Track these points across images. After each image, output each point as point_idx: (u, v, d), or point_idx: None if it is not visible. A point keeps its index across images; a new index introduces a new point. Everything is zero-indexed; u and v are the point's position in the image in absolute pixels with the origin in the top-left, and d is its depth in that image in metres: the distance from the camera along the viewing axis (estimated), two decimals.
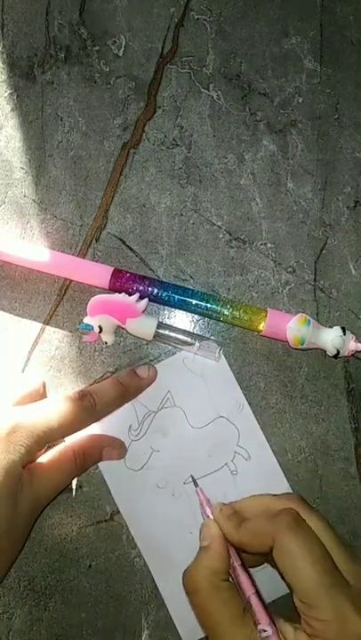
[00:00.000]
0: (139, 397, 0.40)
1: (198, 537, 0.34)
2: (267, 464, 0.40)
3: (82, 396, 0.36)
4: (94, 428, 0.38)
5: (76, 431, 0.36)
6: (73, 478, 0.38)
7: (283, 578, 0.31)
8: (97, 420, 0.37)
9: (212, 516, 0.34)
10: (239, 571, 0.32)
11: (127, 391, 0.38)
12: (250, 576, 0.32)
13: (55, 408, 0.35)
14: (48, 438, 0.34)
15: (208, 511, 0.35)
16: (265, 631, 0.30)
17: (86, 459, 0.37)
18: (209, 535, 0.33)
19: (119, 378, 0.38)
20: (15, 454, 0.32)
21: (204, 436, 0.40)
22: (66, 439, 0.38)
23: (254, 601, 0.31)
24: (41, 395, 0.39)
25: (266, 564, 0.36)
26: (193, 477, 0.38)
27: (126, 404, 0.40)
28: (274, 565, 0.32)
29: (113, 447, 0.39)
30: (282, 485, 0.39)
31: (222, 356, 0.41)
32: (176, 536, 0.38)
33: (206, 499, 0.36)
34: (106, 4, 0.45)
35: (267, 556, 0.34)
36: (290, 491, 0.39)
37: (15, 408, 0.36)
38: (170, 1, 0.46)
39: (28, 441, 0.33)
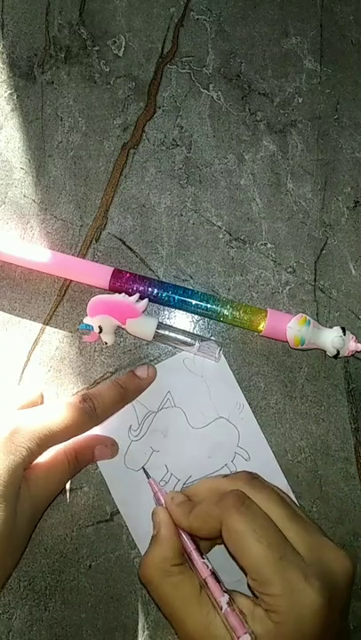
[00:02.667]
0: (139, 398, 0.40)
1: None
2: (267, 465, 0.40)
3: (82, 400, 0.36)
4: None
5: (76, 434, 0.36)
6: (67, 480, 0.38)
7: (234, 559, 0.31)
8: (98, 423, 0.37)
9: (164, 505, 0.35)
10: (194, 555, 0.33)
11: (127, 393, 0.38)
12: (205, 559, 0.33)
13: (56, 412, 0.35)
14: (49, 441, 0.34)
15: (162, 500, 0.35)
16: (222, 609, 0.30)
17: (79, 459, 0.37)
18: (157, 522, 0.34)
19: (118, 380, 0.38)
20: (17, 455, 0.32)
21: (204, 436, 0.40)
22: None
23: (210, 582, 0.32)
24: (39, 405, 0.39)
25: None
26: (145, 469, 0.38)
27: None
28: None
29: (105, 446, 0.39)
30: (282, 486, 0.39)
31: (222, 357, 0.41)
32: None
33: (160, 488, 0.36)
34: (106, 4, 0.45)
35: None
36: (289, 491, 0.39)
37: (16, 411, 0.36)
38: (170, 1, 0.46)
39: (29, 443, 0.33)
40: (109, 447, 0.39)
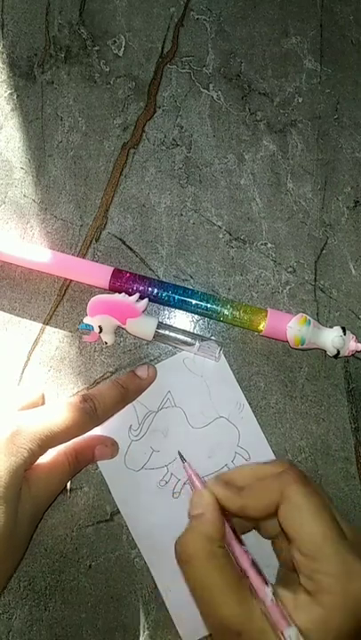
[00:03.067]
0: (139, 397, 0.40)
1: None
2: None
3: (82, 401, 0.36)
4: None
5: (77, 435, 0.36)
6: (67, 481, 0.38)
7: (285, 534, 0.31)
8: (99, 423, 0.37)
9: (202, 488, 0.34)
10: (235, 546, 0.32)
11: (127, 393, 0.38)
12: (246, 550, 0.32)
13: (57, 412, 0.35)
14: (50, 442, 0.34)
15: (198, 484, 0.34)
16: (265, 601, 0.30)
17: (79, 460, 0.37)
18: (202, 504, 0.32)
19: (119, 380, 0.38)
20: (18, 456, 0.32)
21: (204, 436, 0.40)
22: None
23: (252, 573, 0.31)
24: (40, 406, 0.39)
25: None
26: (180, 453, 0.38)
27: None
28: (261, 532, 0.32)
29: (105, 446, 0.39)
30: None
31: (222, 356, 0.41)
32: (176, 536, 0.38)
33: (195, 472, 0.35)
34: (106, 4, 0.45)
35: (258, 522, 0.34)
36: None
37: (17, 412, 0.36)
38: (170, 1, 0.46)
39: (31, 444, 0.33)
40: (109, 447, 0.39)
